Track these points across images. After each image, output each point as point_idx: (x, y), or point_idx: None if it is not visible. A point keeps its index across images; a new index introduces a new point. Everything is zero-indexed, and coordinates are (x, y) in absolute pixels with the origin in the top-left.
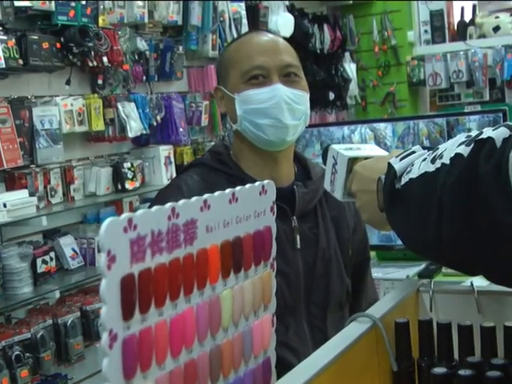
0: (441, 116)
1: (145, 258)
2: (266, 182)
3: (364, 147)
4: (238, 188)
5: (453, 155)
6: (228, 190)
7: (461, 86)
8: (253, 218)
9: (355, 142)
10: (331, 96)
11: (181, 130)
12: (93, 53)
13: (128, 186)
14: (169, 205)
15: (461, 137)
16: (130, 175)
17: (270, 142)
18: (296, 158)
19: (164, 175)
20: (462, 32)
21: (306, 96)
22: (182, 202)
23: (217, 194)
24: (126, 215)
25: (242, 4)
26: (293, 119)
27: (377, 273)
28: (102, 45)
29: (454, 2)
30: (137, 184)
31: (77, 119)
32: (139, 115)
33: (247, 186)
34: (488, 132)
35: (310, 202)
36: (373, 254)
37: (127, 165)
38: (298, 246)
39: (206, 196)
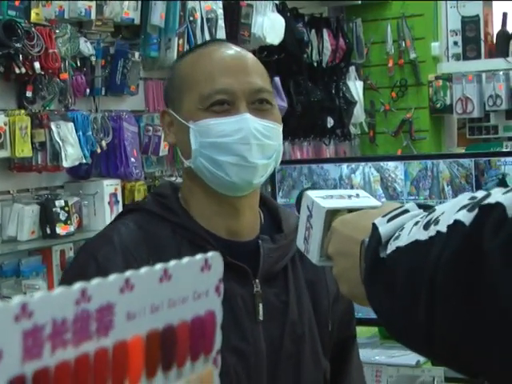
0: (467, 156)
1: (42, 354)
2: (210, 254)
3: (350, 195)
4: (171, 263)
5: (451, 222)
6: (158, 266)
7: (498, 115)
8: (191, 300)
9: (356, 185)
10: (330, 122)
11: (132, 160)
12: (21, 56)
13: (60, 230)
14: (78, 286)
15: (464, 198)
16: (62, 216)
17: (232, 184)
18: (264, 205)
19: (108, 217)
20: (502, 46)
21: (279, 128)
22: (95, 281)
23: (143, 270)
24: (18, 300)
25: (219, 1)
26: (262, 158)
27: (378, 355)
28: (33, 46)
29: (494, 6)
30: (71, 228)
31: None
32: (78, 139)
33: (184, 260)
34: (497, 195)
35: (278, 261)
36: (374, 330)
37: (60, 203)
38: (261, 318)
39: (127, 274)
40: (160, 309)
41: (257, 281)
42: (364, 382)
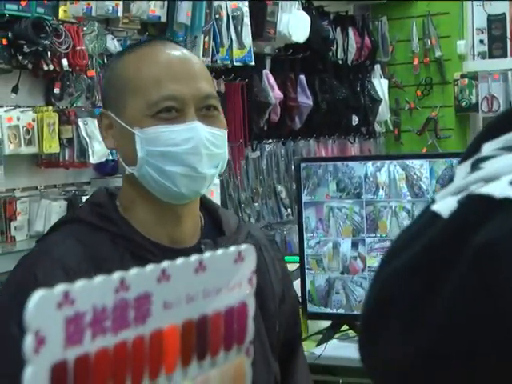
0: None
1: (83, 341)
2: (243, 247)
3: None
4: (206, 254)
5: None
6: (194, 257)
7: None
8: (225, 291)
9: (381, 183)
10: (355, 120)
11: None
12: (49, 53)
13: None
14: (118, 275)
15: None
16: None
17: (179, 194)
18: (203, 207)
19: None
20: None
21: (225, 135)
22: (134, 271)
23: (179, 261)
24: (61, 287)
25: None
26: (210, 167)
27: None
28: (61, 43)
29: None
30: None
31: (24, 137)
32: None
33: (219, 251)
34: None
35: None
36: None
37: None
38: None
39: (165, 264)
40: (195, 299)
41: None
42: (309, 378)
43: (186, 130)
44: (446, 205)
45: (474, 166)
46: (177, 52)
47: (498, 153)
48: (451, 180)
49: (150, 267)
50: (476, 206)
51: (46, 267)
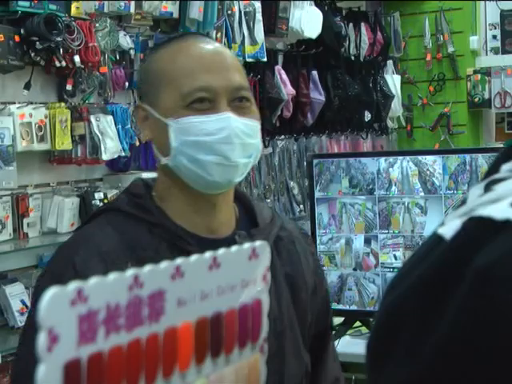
0: None
1: (96, 339)
2: (257, 243)
3: None
4: (220, 251)
5: None
6: (208, 254)
7: None
8: (239, 288)
9: (394, 179)
10: (367, 116)
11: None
12: (61, 50)
13: None
14: (131, 272)
15: None
16: None
17: (213, 183)
18: (237, 199)
19: None
20: None
21: (259, 126)
22: (148, 268)
23: (193, 258)
24: (74, 285)
25: None
26: (243, 156)
27: None
28: (73, 40)
29: None
30: None
31: (36, 134)
32: (118, 132)
33: (233, 248)
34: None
35: None
36: None
37: (99, 195)
38: None
39: (178, 261)
40: (209, 296)
41: None
42: (339, 368)
43: (219, 120)
44: (450, 227)
45: (487, 188)
46: (209, 45)
47: (511, 175)
48: (464, 202)
49: (163, 264)
50: (476, 228)
51: (85, 255)
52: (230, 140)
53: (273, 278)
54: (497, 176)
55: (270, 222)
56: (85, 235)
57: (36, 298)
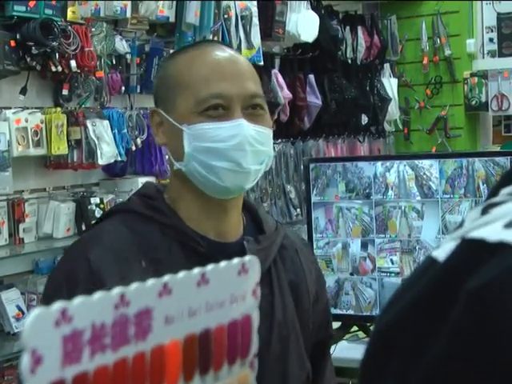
0: (503, 154)
1: (81, 359)
2: (247, 258)
3: None
4: (209, 267)
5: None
6: (196, 270)
7: None
8: (228, 304)
9: (391, 183)
10: (364, 120)
11: (167, 157)
12: (57, 55)
13: None
14: (117, 291)
15: None
16: (98, 214)
17: (225, 189)
18: (244, 207)
19: None
20: None
21: (271, 134)
22: (134, 286)
23: (181, 275)
24: (58, 305)
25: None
26: (255, 163)
27: None
28: (69, 45)
29: None
30: None
31: (32, 139)
32: (114, 137)
33: (222, 264)
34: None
35: (263, 262)
36: None
37: (95, 200)
38: None
39: (166, 278)
40: (197, 313)
41: None
42: (334, 376)
43: (232, 127)
44: (443, 249)
45: (484, 211)
46: (225, 53)
47: (509, 198)
48: (461, 225)
49: (150, 281)
50: (469, 250)
51: (99, 252)
52: (243, 147)
53: (278, 284)
54: (494, 200)
55: (274, 231)
56: (98, 233)
57: (46, 290)
